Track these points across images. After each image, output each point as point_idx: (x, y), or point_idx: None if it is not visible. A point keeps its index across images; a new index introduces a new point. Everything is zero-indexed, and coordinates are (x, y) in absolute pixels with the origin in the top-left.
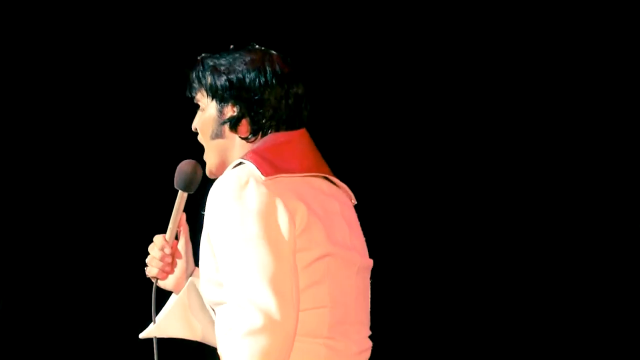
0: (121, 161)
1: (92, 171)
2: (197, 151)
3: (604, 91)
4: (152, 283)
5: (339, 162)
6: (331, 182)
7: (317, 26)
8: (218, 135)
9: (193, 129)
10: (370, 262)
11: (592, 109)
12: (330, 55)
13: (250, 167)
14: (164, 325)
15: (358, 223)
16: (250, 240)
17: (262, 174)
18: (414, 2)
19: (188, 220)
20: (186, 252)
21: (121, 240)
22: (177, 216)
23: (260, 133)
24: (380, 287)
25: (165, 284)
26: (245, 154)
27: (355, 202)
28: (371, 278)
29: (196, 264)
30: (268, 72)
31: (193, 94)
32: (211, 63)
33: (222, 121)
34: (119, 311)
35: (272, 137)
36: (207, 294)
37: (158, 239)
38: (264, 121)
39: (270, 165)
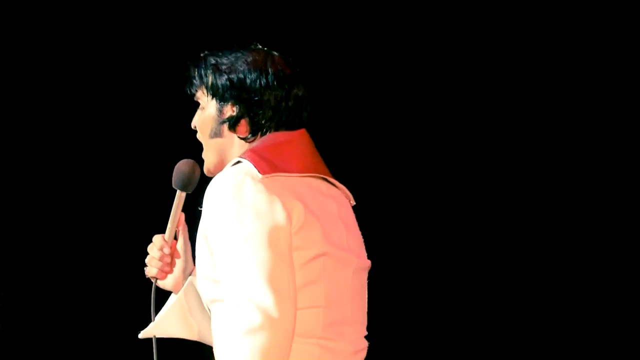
0: (120, 161)
1: (91, 171)
2: (195, 151)
3: (604, 91)
4: (151, 283)
5: (339, 163)
6: (330, 183)
7: (318, 27)
8: (217, 134)
9: (192, 126)
10: (368, 263)
11: (592, 109)
12: (331, 56)
13: (247, 166)
14: (163, 325)
15: (356, 224)
16: (247, 238)
17: (259, 172)
18: (414, 2)
19: (187, 220)
20: (185, 252)
21: (120, 240)
22: (176, 216)
23: (259, 133)
24: (378, 287)
25: (164, 283)
26: (244, 153)
27: (354, 203)
28: (369, 279)
29: (195, 263)
30: (269, 73)
31: (193, 91)
32: (213, 61)
33: (221, 120)
34: (119, 311)
35: (271, 137)
36: (204, 291)
37: (157, 239)
38: (263, 122)
39: (268, 164)
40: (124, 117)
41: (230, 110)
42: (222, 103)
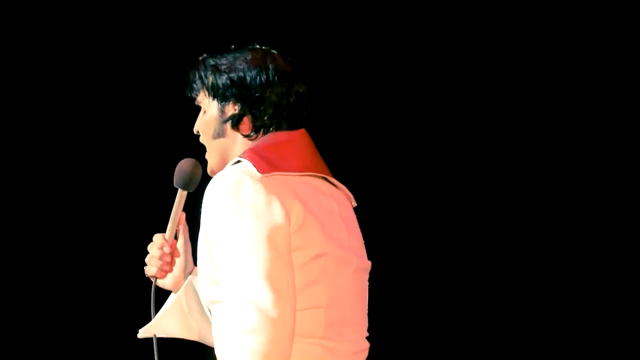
0: (121, 160)
1: (91, 171)
2: (197, 150)
3: (604, 91)
4: (151, 282)
5: (339, 163)
6: (330, 183)
7: (318, 27)
8: (220, 134)
9: (195, 131)
10: (369, 263)
11: (592, 109)
12: (331, 56)
13: (247, 165)
14: (162, 324)
15: (357, 224)
16: (245, 238)
17: (258, 171)
18: (414, 2)
19: (187, 219)
20: (185, 251)
21: (121, 239)
22: (177, 215)
23: (262, 131)
24: (378, 288)
25: (164, 283)
26: (243, 152)
27: (355, 204)
28: (369, 279)
29: (195, 263)
30: (269, 70)
31: (194, 95)
32: (212, 62)
33: (223, 120)
34: (118, 310)
35: (272, 136)
36: (205, 292)
37: (157, 237)
38: (265, 118)
39: (267, 163)
40: (125, 116)
41: (232, 109)
42: (224, 102)
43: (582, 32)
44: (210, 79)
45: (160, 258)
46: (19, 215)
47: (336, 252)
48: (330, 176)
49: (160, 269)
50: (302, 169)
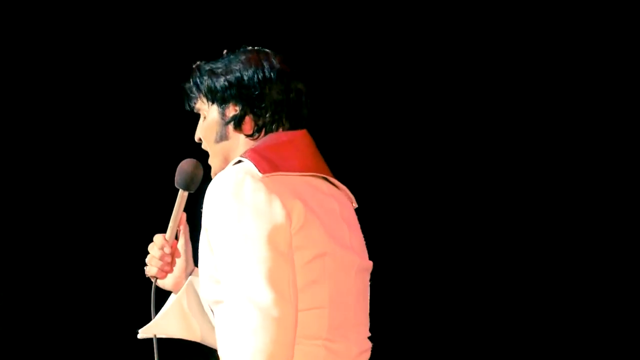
0: (122, 160)
1: (92, 171)
2: (198, 151)
3: (604, 91)
4: (152, 282)
5: (340, 164)
6: (331, 183)
7: (317, 27)
8: (223, 137)
9: (196, 139)
10: (370, 263)
11: (592, 109)
12: (331, 57)
13: (248, 165)
14: (162, 324)
15: (358, 224)
16: (246, 237)
17: (259, 171)
18: (414, 2)
19: (188, 220)
20: (186, 252)
21: (121, 239)
22: (178, 215)
23: (264, 130)
24: (380, 288)
25: (164, 283)
26: (244, 152)
27: (356, 206)
28: (371, 279)
29: (196, 263)
30: (265, 67)
31: (192, 104)
32: (207, 68)
33: (225, 122)
34: (119, 310)
35: (273, 137)
36: (206, 292)
37: (158, 238)
38: (267, 116)
39: (268, 163)
40: (126, 116)
41: (232, 110)
42: (224, 105)
43: (582, 32)
44: (208, 83)
45: (161, 258)
46: (19, 215)
47: (338, 252)
48: (331, 177)
49: (161, 269)
50: (303, 169)
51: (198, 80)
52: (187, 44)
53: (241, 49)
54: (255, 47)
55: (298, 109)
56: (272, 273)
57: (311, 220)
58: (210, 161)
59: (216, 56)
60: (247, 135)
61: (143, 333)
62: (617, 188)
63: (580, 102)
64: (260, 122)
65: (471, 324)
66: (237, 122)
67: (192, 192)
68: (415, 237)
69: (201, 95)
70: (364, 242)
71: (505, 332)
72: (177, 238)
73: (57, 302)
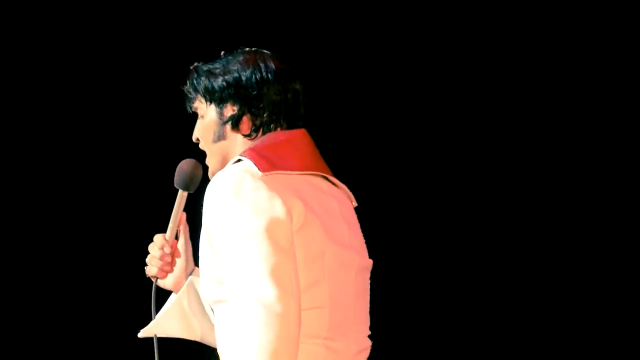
0: (121, 161)
1: (92, 171)
2: (197, 151)
3: (604, 91)
4: (152, 282)
5: (339, 163)
6: (330, 182)
7: (317, 27)
8: (220, 137)
9: (194, 139)
10: (370, 262)
11: (592, 109)
12: (331, 56)
13: (247, 164)
14: (162, 324)
15: (357, 223)
16: (248, 234)
17: (259, 169)
18: (414, 2)
19: (188, 220)
20: (186, 252)
21: (121, 239)
22: (177, 215)
23: (262, 129)
24: (380, 287)
25: (164, 283)
26: (244, 151)
27: (356, 204)
28: (371, 278)
29: (196, 263)
30: (262, 68)
31: (191, 104)
32: (205, 68)
33: (223, 122)
34: (119, 310)
35: (271, 136)
36: (207, 292)
37: (158, 238)
38: (265, 116)
39: (267, 162)
40: (125, 116)
41: (230, 110)
42: (222, 105)
43: (582, 32)
44: (205, 83)
45: (161, 258)
46: (19, 215)
47: (337, 251)
48: (331, 175)
49: (161, 269)
50: (302, 168)
51: (196, 81)
52: (186, 45)
53: (239, 50)
54: (253, 48)
55: (295, 109)
56: (275, 269)
57: (311, 219)
58: (208, 161)
59: (214, 57)
60: (245, 135)
61: (144, 333)
62: (617, 188)
63: (580, 102)
64: (257, 122)
65: (471, 323)
66: (235, 122)
67: (191, 192)
68: (414, 236)
69: (199, 96)
70: (363, 241)
71: (505, 332)
72: (177, 238)
73: (58, 302)
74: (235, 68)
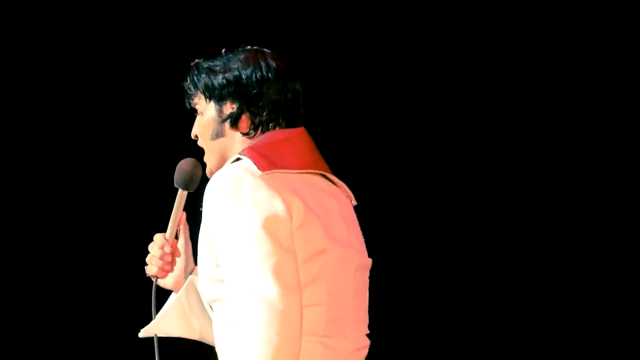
0: (121, 160)
1: (92, 171)
2: (197, 151)
3: (604, 91)
4: (152, 282)
5: (339, 161)
6: (330, 180)
7: (317, 26)
8: (219, 134)
9: (193, 136)
10: (369, 261)
11: (592, 109)
12: (330, 55)
13: (247, 162)
14: (163, 323)
15: (357, 222)
16: (249, 233)
17: (258, 168)
18: (414, 2)
19: (188, 219)
20: (186, 251)
21: (121, 239)
22: (177, 215)
23: (261, 128)
24: (379, 286)
25: (165, 282)
26: (242, 150)
27: (355, 203)
28: (370, 277)
29: (196, 262)
30: (263, 67)
31: (190, 101)
32: (205, 66)
33: (222, 119)
34: (120, 310)
35: (270, 135)
36: (205, 290)
37: (158, 237)
38: (264, 115)
39: (267, 161)
40: (125, 116)
41: (229, 108)
42: (221, 102)
43: (582, 32)
44: (206, 80)
45: (161, 258)
46: (20, 215)
47: (336, 250)
48: (330, 174)
49: (161, 269)
50: (301, 166)
51: (196, 78)
52: (185, 43)
53: (240, 48)
54: (254, 47)
55: (295, 109)
56: (277, 267)
57: (310, 218)
58: (206, 158)
59: (214, 56)
60: (244, 134)
61: (144, 333)
62: (617, 188)
63: (580, 102)
64: (256, 121)
65: (471, 322)
66: (234, 120)
67: (191, 191)
68: (414, 235)
69: (199, 93)
70: (363, 240)
71: (505, 330)
72: (177, 237)
73: (58, 302)
74: (235, 66)
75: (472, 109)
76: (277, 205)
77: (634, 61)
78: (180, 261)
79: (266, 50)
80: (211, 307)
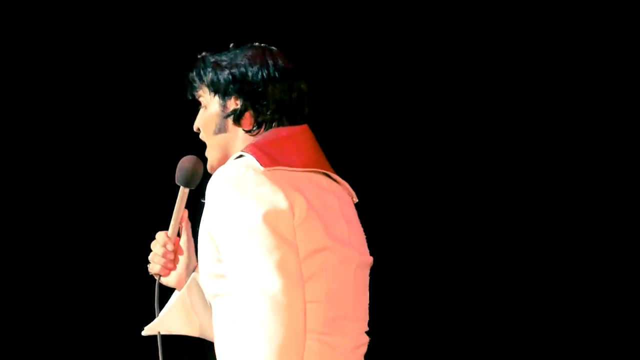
0: (123, 158)
1: (94, 169)
2: (198, 148)
3: (604, 91)
4: (155, 280)
5: (341, 159)
6: (331, 178)
7: (319, 25)
8: (221, 129)
9: (195, 129)
10: (370, 259)
11: (592, 109)
12: (332, 53)
13: (249, 159)
14: (166, 321)
15: (358, 220)
16: (251, 228)
17: (261, 165)
18: (415, 2)
19: (190, 216)
20: (188, 249)
21: (123, 237)
22: (179, 212)
23: (264, 126)
24: (380, 284)
25: (167, 280)
26: (245, 147)
27: (357, 200)
28: (370, 275)
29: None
30: (270, 66)
31: (194, 93)
32: (212, 60)
33: (225, 115)
34: (122, 308)
35: (273, 132)
36: (206, 286)
37: (160, 235)
38: (268, 113)
39: (269, 158)
40: (126, 113)
41: (233, 104)
42: (225, 98)
43: (582, 32)
44: (212, 75)
45: (164, 256)
46: (20, 214)
47: (337, 248)
48: (332, 172)
49: (164, 267)
50: (304, 164)
51: (202, 71)
52: (188, 41)
53: (248, 45)
54: (262, 44)
55: (299, 109)
56: (280, 261)
57: (312, 215)
58: (207, 153)
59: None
60: (246, 131)
61: (147, 331)
62: (618, 188)
63: (580, 102)
64: (259, 119)
65: (471, 321)
66: (237, 117)
67: (192, 188)
68: (415, 233)
69: (204, 86)
70: (364, 238)
71: (505, 330)
72: (179, 235)
73: (61, 300)
74: (242, 63)
75: (473, 107)
76: (280, 201)
77: (634, 61)
78: (182, 259)
79: (274, 48)
80: (210, 303)
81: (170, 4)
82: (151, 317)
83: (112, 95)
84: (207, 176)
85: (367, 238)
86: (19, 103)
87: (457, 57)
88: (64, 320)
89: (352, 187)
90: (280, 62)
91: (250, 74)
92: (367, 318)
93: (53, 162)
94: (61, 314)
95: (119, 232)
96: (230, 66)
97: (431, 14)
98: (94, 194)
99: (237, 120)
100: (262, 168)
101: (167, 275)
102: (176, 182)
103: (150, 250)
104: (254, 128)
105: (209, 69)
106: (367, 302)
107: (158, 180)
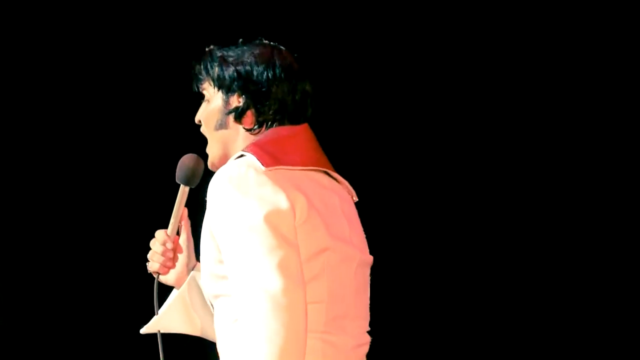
0: (123, 156)
1: (93, 167)
2: (199, 146)
3: (604, 91)
4: (154, 278)
5: (341, 158)
6: (332, 177)
7: (321, 24)
8: (222, 125)
9: (196, 121)
10: (371, 258)
11: (592, 109)
12: (332, 52)
13: (250, 159)
14: (165, 320)
15: (358, 219)
16: (254, 227)
17: (262, 164)
18: (416, 2)
19: (189, 215)
20: (188, 247)
21: (123, 235)
22: (179, 211)
23: (265, 125)
24: (380, 283)
25: (166, 279)
26: (246, 147)
27: (357, 199)
28: (371, 274)
29: (198, 258)
30: (277, 66)
31: (199, 85)
32: (219, 54)
33: (227, 111)
34: (121, 307)
35: (274, 131)
36: (207, 287)
37: (160, 233)
38: (270, 113)
39: (270, 157)
40: (127, 112)
41: (236, 101)
42: (229, 94)
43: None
44: (217, 69)
45: (163, 254)
46: (20, 214)
47: (338, 247)
48: (332, 171)
49: (163, 265)
50: (305, 163)
51: (209, 65)
52: (187, 40)
53: (256, 41)
54: (271, 42)
55: (302, 111)
56: (282, 261)
57: (313, 215)
58: (208, 149)
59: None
60: (246, 129)
61: (146, 329)
62: (617, 188)
63: (580, 102)
64: (261, 119)
65: (471, 320)
66: (238, 115)
67: (193, 187)
68: (415, 232)
69: (208, 80)
70: (364, 237)
71: (505, 329)
72: (178, 233)
73: (60, 299)
74: (249, 60)
75: (473, 106)
76: (281, 201)
77: (634, 61)
78: (182, 257)
79: (282, 47)
80: (212, 304)
81: (171, 3)
82: (150, 315)
83: (113, 93)
84: (207, 174)
85: (367, 237)
86: (19, 102)
87: (457, 57)
88: (63, 319)
89: (352, 186)
90: (286, 62)
91: (255, 72)
92: (368, 317)
93: (53, 161)
94: (60, 312)
95: (119, 230)
96: (236, 63)
97: (431, 14)
98: (94, 193)
99: (239, 118)
100: (263, 168)
101: (166, 273)
102: (176, 180)
103: (150, 249)
104: (255, 127)
105: (215, 64)
106: (368, 301)
107: (158, 178)
